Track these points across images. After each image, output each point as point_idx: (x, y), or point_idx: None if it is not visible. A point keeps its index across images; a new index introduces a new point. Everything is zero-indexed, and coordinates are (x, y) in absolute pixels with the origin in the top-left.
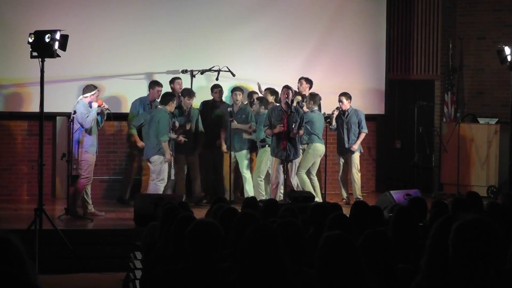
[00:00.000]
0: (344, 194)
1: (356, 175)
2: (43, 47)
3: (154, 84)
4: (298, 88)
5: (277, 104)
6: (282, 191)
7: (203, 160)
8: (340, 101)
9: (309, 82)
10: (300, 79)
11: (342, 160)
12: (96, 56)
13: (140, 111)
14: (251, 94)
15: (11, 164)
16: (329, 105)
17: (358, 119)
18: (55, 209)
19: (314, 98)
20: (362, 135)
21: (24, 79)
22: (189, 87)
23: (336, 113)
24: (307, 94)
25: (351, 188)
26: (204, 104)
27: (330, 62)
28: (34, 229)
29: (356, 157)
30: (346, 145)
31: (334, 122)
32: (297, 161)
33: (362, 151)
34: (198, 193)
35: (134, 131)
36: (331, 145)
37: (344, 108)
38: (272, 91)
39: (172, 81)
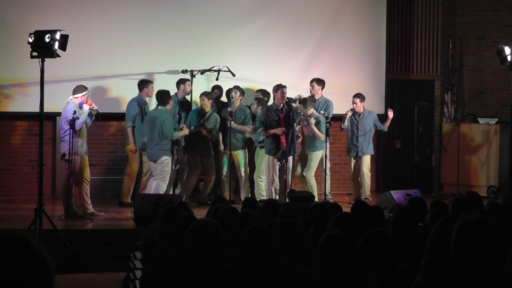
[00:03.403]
0: (356, 194)
1: (367, 175)
2: (43, 47)
3: (147, 82)
4: (310, 92)
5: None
6: (277, 188)
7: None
8: (353, 102)
9: (321, 83)
10: (311, 82)
11: (353, 161)
12: (96, 56)
13: (137, 111)
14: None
15: (11, 164)
16: None
17: (373, 121)
18: (55, 209)
19: (305, 102)
20: (385, 128)
21: (24, 79)
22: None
23: (349, 114)
24: (318, 97)
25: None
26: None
27: (330, 62)
28: (34, 229)
29: (367, 158)
30: (358, 146)
31: (346, 123)
32: (291, 159)
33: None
34: (206, 195)
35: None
36: (331, 145)
37: (357, 109)
38: (264, 92)
39: (183, 82)
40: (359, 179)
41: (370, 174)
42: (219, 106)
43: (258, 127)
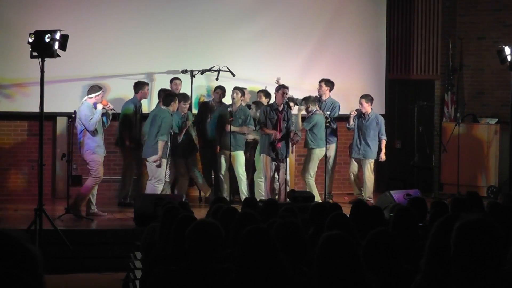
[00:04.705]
0: (357, 192)
1: (369, 177)
2: (43, 47)
3: (143, 84)
4: (318, 91)
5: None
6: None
7: (204, 160)
8: (360, 103)
9: (329, 84)
10: (319, 82)
11: (355, 162)
12: (96, 56)
13: (132, 111)
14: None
15: (11, 164)
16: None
17: (378, 126)
18: (55, 209)
19: (307, 100)
20: (383, 143)
21: (24, 79)
22: (189, 88)
23: (354, 114)
24: (325, 98)
25: (352, 188)
26: (203, 104)
27: (330, 62)
28: (34, 229)
29: (371, 161)
30: (360, 149)
31: (352, 122)
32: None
33: (382, 158)
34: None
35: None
36: (330, 145)
37: (364, 110)
38: (266, 93)
39: (170, 81)
40: (360, 179)
41: (373, 176)
42: (215, 107)
43: (259, 123)
